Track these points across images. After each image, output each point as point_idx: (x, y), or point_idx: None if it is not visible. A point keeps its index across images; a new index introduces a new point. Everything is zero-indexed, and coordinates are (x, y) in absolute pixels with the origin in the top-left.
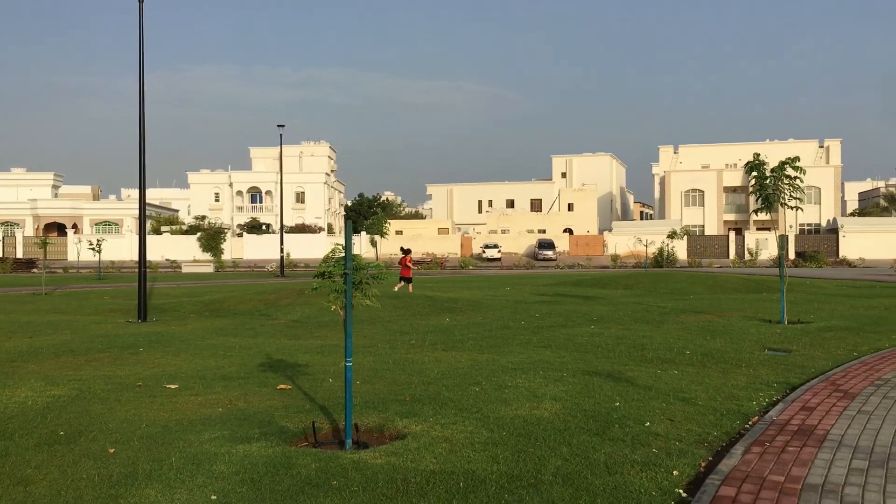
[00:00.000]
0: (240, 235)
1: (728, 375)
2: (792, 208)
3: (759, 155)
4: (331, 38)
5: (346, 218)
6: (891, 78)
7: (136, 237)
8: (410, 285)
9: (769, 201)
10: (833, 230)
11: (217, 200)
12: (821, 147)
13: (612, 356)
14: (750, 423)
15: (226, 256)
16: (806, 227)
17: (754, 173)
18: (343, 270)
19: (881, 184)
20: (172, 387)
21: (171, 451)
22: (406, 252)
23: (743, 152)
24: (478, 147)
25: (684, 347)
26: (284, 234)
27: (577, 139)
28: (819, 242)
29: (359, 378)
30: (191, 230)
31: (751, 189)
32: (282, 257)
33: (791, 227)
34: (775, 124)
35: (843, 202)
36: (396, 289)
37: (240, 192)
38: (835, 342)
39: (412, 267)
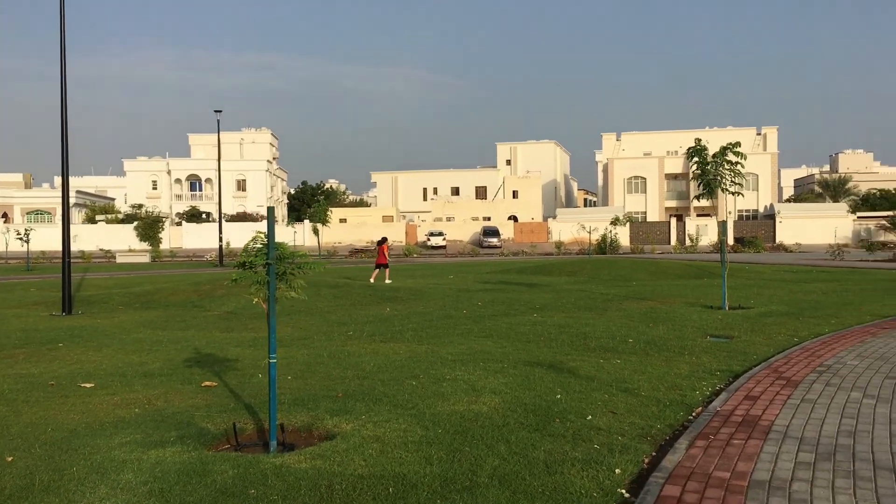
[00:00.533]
0: (179, 224)
1: (671, 364)
2: (733, 194)
3: (700, 140)
4: (272, 23)
5: (269, 208)
6: (825, 68)
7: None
8: (388, 271)
9: (710, 187)
10: (770, 216)
11: (155, 188)
12: (758, 135)
13: (555, 346)
14: (694, 414)
15: (164, 246)
16: (744, 214)
17: (696, 158)
18: (265, 260)
19: (815, 171)
20: (88, 385)
21: (76, 458)
22: (382, 241)
23: (684, 140)
24: (423, 134)
25: (627, 335)
26: (225, 223)
27: (522, 127)
28: (757, 228)
29: (291, 373)
30: (127, 219)
31: (692, 175)
32: (220, 246)
33: (730, 213)
34: (715, 112)
35: (780, 189)
36: (372, 279)
37: (178, 180)
38: (775, 327)
39: (388, 255)
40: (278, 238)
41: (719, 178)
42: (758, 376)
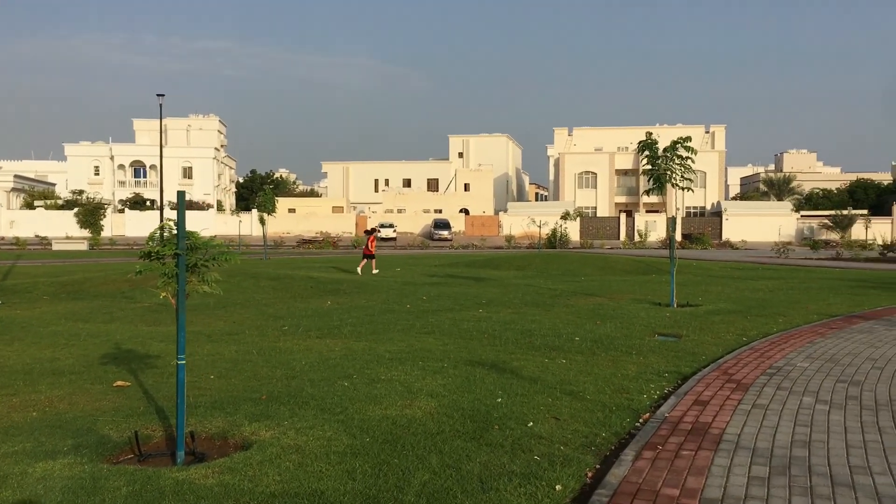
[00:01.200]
0: (121, 212)
1: (618, 364)
2: (683, 189)
3: (651, 133)
4: (224, 10)
5: (180, 192)
6: (771, 70)
7: (6, 211)
8: (374, 262)
9: (660, 181)
10: (717, 213)
11: (97, 174)
12: (707, 133)
13: (499, 343)
14: (641, 420)
15: (106, 233)
16: (692, 210)
17: (646, 152)
18: (175, 250)
19: (761, 170)
20: None
21: None
22: (370, 233)
23: (634, 136)
24: (376, 125)
25: (574, 333)
26: (169, 211)
27: (475, 119)
28: (704, 225)
29: (215, 371)
30: (67, 205)
31: (642, 168)
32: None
33: (678, 209)
34: (665, 110)
35: (727, 186)
36: (359, 269)
37: (122, 166)
38: (724, 326)
39: (373, 247)
40: (223, 228)
41: (670, 172)
42: (707, 379)
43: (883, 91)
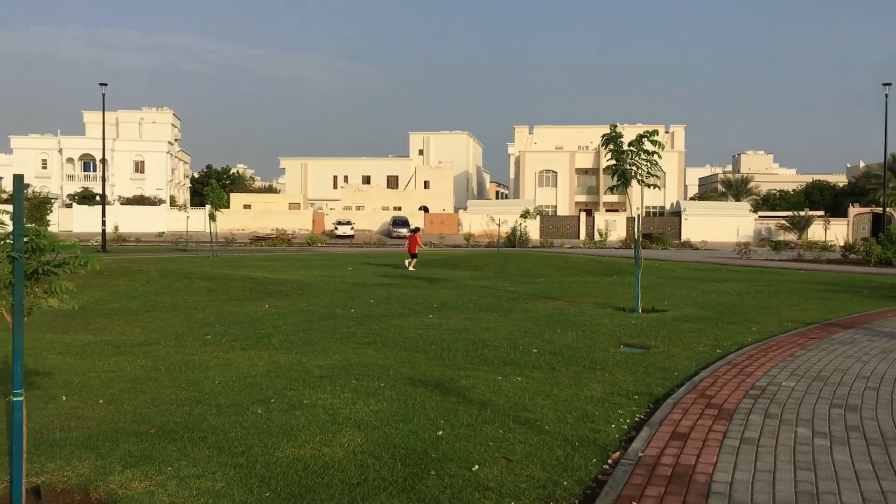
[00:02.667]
0: (69, 206)
1: (581, 382)
2: (649, 186)
3: (616, 126)
4: (184, 4)
5: (17, 176)
6: (729, 71)
7: None
8: (414, 261)
9: (625, 177)
10: (676, 213)
11: (45, 168)
12: (666, 133)
13: (447, 356)
14: (610, 460)
15: (52, 229)
16: (651, 210)
17: (611, 146)
18: (10, 252)
19: (719, 170)
20: None
21: None
22: (414, 231)
23: (595, 135)
24: (336, 122)
25: (531, 344)
26: (120, 206)
27: (436, 117)
28: (664, 225)
29: (107, 394)
30: (11, 199)
31: (606, 164)
32: (104, 231)
33: (638, 208)
34: (625, 110)
35: (685, 187)
36: (412, 267)
37: (71, 160)
38: (694, 335)
39: (420, 245)
40: (176, 224)
41: (635, 168)
42: (683, 402)
43: (838, 94)
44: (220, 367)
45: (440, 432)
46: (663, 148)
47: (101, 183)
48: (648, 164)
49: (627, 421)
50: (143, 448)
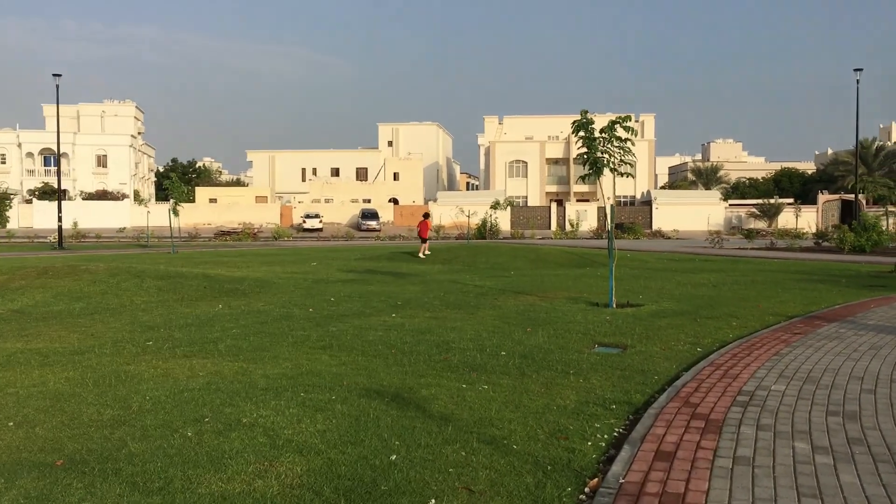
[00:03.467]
0: (29, 202)
1: (553, 389)
2: (623, 175)
3: (586, 112)
4: None
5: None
6: (697, 60)
7: None
8: (425, 245)
9: (597, 166)
10: (647, 202)
11: (4, 162)
12: (636, 122)
13: (408, 362)
14: (588, 489)
15: (13, 225)
16: (622, 199)
17: (581, 133)
18: None
19: (688, 159)
20: None
21: None
22: (425, 217)
23: (564, 125)
24: (304, 114)
25: (500, 345)
26: (83, 201)
27: (405, 108)
28: (635, 214)
29: (21, 414)
30: None
31: (577, 151)
32: (59, 227)
33: (609, 198)
34: (593, 100)
35: (656, 176)
36: (424, 253)
37: (30, 154)
38: (672, 332)
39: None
40: (140, 219)
41: (607, 155)
42: (666, 412)
43: (805, 83)
44: (155, 378)
45: (394, 457)
46: (636, 135)
47: (64, 178)
48: (621, 151)
49: (605, 437)
50: (44, 486)
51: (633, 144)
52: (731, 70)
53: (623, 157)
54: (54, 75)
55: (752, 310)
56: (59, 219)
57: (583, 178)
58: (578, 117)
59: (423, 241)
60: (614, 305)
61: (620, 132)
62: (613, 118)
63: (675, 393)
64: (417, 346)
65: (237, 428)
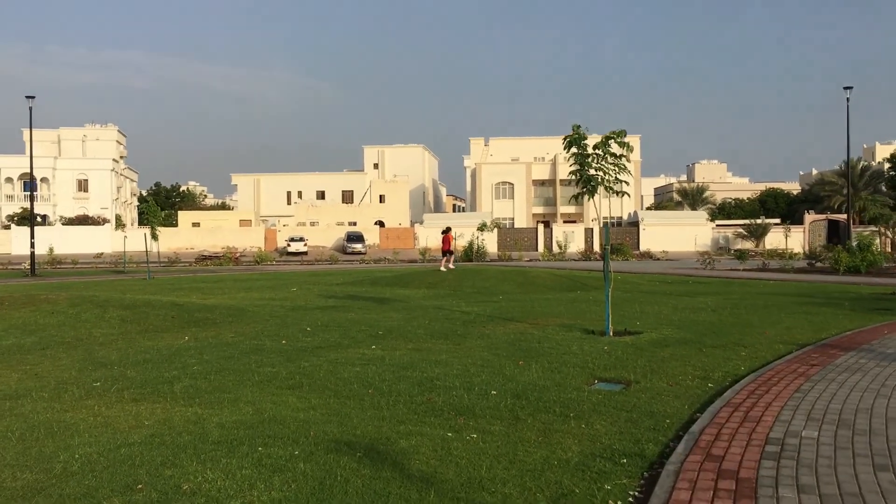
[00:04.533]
0: (7, 227)
1: (551, 438)
2: (617, 194)
3: (579, 126)
4: (134, 20)
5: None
6: (682, 82)
7: None
8: (447, 259)
9: (591, 184)
10: (634, 223)
11: None
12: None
13: (386, 404)
14: None
15: None
16: (609, 220)
17: (573, 149)
18: None
19: (674, 180)
20: None
21: None
22: (446, 231)
23: (551, 146)
24: (289, 137)
25: (489, 382)
26: (62, 227)
27: (390, 130)
28: (622, 235)
29: None
30: None
31: (570, 169)
32: (32, 253)
33: (594, 219)
34: (580, 121)
35: (641, 197)
36: (450, 266)
37: (10, 179)
38: (678, 364)
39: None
40: (121, 244)
41: (602, 173)
42: (687, 468)
43: (789, 104)
44: (92, 429)
45: None
46: (632, 151)
47: (43, 203)
48: (616, 168)
49: None
50: None
51: (628, 161)
52: (714, 91)
53: (618, 175)
54: (27, 97)
55: (758, 337)
56: (32, 245)
57: (575, 198)
58: (565, 138)
59: (445, 255)
60: (611, 333)
61: (615, 148)
62: (608, 133)
63: (694, 442)
64: (398, 384)
65: (175, 498)
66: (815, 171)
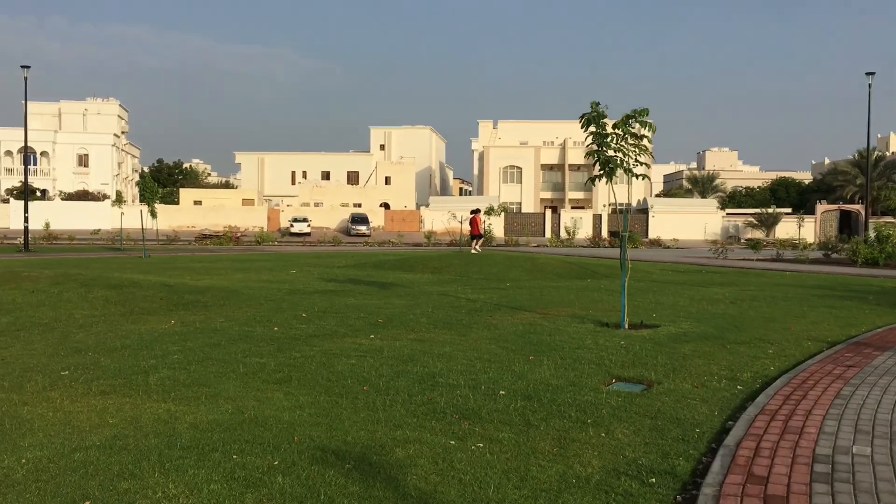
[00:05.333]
0: (6, 201)
1: (568, 449)
2: (638, 177)
3: (598, 104)
4: None
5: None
6: (693, 69)
7: None
8: (477, 242)
9: (610, 166)
10: (644, 210)
11: None
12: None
13: (382, 404)
14: None
15: None
16: (617, 207)
17: (592, 128)
18: None
19: (683, 167)
20: None
21: None
22: (475, 212)
23: (560, 130)
24: (295, 116)
25: (497, 380)
26: (62, 202)
27: (397, 111)
28: (631, 222)
29: None
30: None
31: (587, 150)
32: (26, 228)
33: (605, 206)
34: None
35: (651, 183)
36: (478, 247)
37: (9, 152)
38: (701, 362)
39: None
40: (112, 220)
41: (622, 154)
42: (727, 491)
43: (801, 91)
44: (49, 427)
45: None
46: (654, 132)
47: (42, 177)
48: (637, 150)
49: None
50: None
51: (650, 142)
52: (725, 78)
53: (638, 157)
54: (23, 66)
55: (783, 333)
56: (26, 219)
57: (592, 180)
58: (582, 116)
59: (475, 238)
60: (626, 326)
61: (636, 127)
62: (629, 112)
63: (731, 458)
64: (396, 380)
65: None
66: (827, 161)
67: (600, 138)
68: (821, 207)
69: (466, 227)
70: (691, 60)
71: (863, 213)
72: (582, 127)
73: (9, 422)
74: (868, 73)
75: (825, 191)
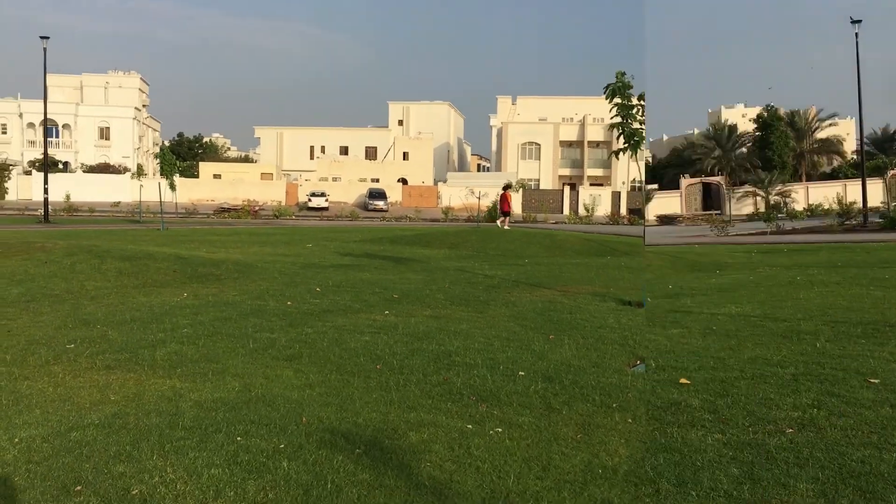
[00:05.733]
0: (28, 173)
1: (593, 436)
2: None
3: (623, 74)
4: None
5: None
6: (701, 40)
7: None
8: (506, 219)
9: (636, 137)
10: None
11: (5, 133)
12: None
13: (395, 384)
14: None
15: (11, 197)
16: (635, 185)
17: (617, 99)
18: None
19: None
20: None
21: None
22: (506, 187)
23: (579, 106)
24: (314, 92)
25: (516, 360)
26: (83, 174)
27: (416, 87)
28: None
29: None
30: None
31: (611, 121)
32: (46, 199)
33: (624, 183)
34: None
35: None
36: (506, 225)
37: (31, 125)
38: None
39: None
40: (133, 193)
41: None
42: None
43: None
44: (47, 404)
45: None
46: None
47: (64, 149)
48: None
49: None
50: None
51: None
52: (731, 48)
53: None
54: (42, 37)
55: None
56: (45, 191)
57: (616, 154)
58: (607, 86)
59: (505, 214)
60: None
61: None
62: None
63: None
64: (411, 358)
65: None
66: (665, 137)
67: (625, 109)
68: (685, 181)
69: (485, 203)
70: (700, 32)
71: (724, 184)
72: (607, 98)
73: (6, 397)
74: (854, 22)
75: (678, 165)
